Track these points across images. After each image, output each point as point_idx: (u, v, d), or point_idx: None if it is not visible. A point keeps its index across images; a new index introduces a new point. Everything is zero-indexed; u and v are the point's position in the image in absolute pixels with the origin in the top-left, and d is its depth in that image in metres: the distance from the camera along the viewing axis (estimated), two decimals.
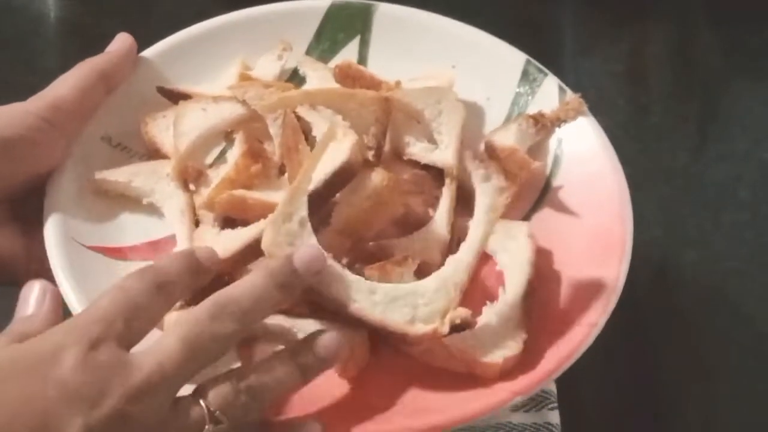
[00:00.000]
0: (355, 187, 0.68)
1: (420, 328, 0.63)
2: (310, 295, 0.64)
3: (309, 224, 0.63)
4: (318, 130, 0.69)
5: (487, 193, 0.68)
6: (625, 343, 0.80)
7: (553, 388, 0.74)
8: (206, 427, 0.57)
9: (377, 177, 0.68)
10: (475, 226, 0.67)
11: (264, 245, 0.62)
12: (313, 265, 0.61)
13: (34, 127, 0.69)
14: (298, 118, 0.70)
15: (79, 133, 0.72)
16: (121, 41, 0.75)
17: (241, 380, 0.59)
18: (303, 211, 0.64)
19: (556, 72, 0.77)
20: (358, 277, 0.63)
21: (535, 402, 0.73)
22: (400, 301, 0.63)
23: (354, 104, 0.71)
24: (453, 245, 0.69)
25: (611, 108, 0.91)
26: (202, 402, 0.58)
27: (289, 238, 0.63)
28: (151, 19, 0.90)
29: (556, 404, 0.73)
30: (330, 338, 0.62)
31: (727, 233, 0.88)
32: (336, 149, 0.66)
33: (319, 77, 0.77)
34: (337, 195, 0.68)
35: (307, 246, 0.62)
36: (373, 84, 0.75)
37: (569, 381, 0.71)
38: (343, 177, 0.67)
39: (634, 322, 0.80)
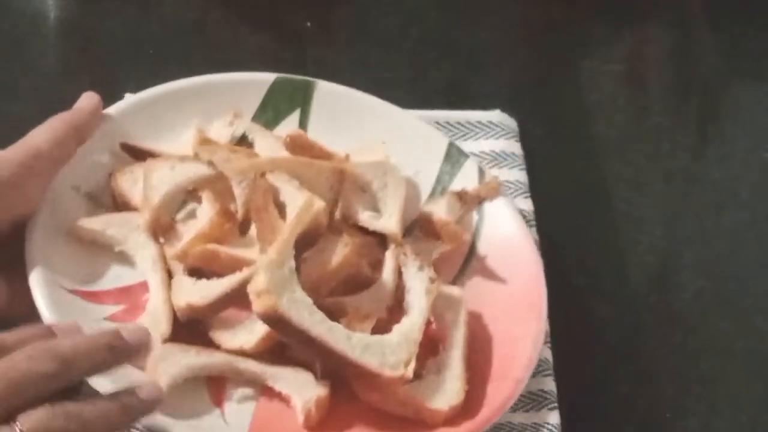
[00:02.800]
0: (323, 249, 0.76)
1: (390, 372, 0.71)
2: (290, 340, 0.72)
3: (296, 274, 0.71)
4: (285, 194, 0.77)
5: (422, 279, 0.77)
6: (625, 343, 0.82)
7: (553, 388, 0.77)
8: None
9: (343, 242, 0.76)
10: (418, 298, 0.76)
11: (257, 286, 0.69)
12: (137, 336, 0.66)
13: (16, 174, 0.73)
14: None
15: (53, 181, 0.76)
16: (89, 98, 0.79)
17: (59, 406, 0.60)
18: (291, 262, 0.71)
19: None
20: (336, 323, 0.71)
21: (535, 402, 0.76)
22: (371, 349, 0.72)
23: (312, 173, 0.79)
24: (397, 304, 0.78)
25: (611, 108, 0.92)
26: (15, 423, 0.58)
27: (282, 281, 0.70)
28: (151, 19, 0.90)
29: (556, 404, 0.77)
30: (151, 387, 0.65)
31: (727, 233, 0.88)
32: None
33: (267, 144, 0.84)
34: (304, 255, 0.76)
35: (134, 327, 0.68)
36: (323, 154, 0.83)
37: (569, 381, 0.76)
38: (309, 239, 0.75)
39: (634, 323, 0.83)
